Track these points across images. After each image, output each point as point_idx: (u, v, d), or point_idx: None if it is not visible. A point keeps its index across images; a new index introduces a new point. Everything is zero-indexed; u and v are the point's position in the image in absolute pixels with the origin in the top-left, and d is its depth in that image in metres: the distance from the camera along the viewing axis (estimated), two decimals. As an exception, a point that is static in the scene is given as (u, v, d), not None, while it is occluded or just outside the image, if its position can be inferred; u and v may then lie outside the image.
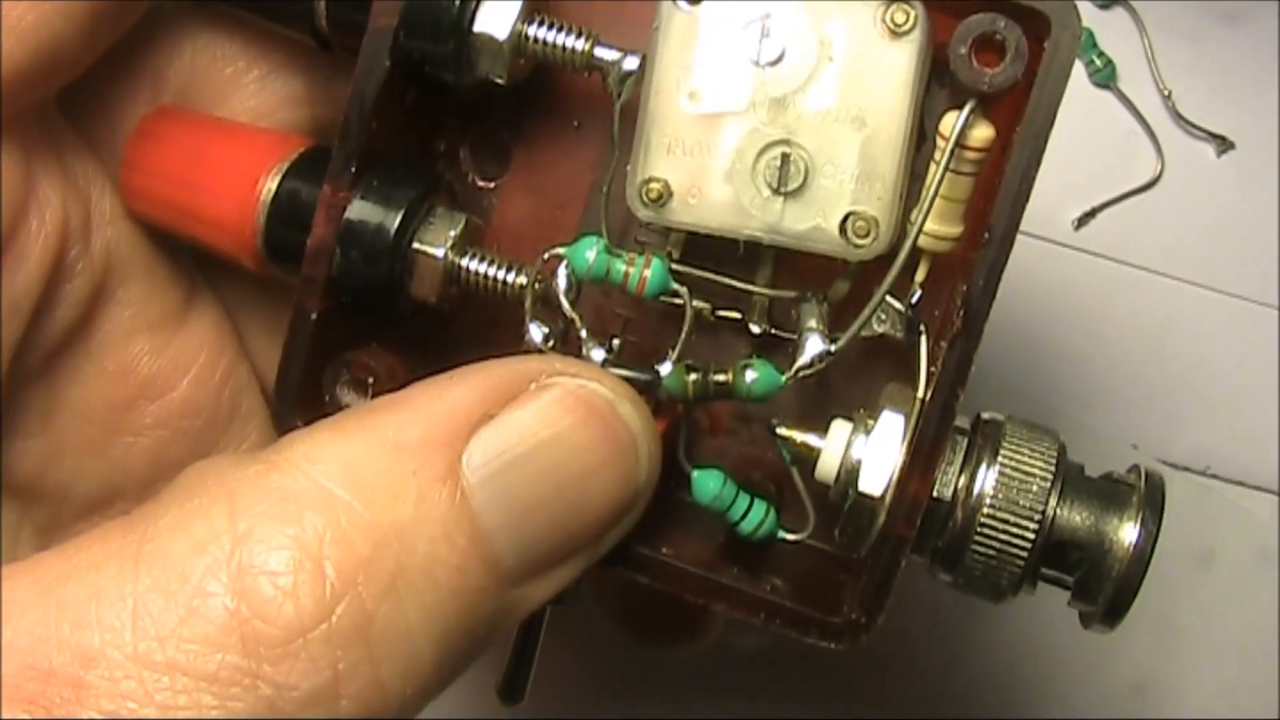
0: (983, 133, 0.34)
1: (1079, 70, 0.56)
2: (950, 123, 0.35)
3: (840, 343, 0.36)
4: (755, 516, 0.38)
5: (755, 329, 0.39)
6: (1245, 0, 0.56)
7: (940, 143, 0.35)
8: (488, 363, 0.34)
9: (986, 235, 0.34)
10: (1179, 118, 0.56)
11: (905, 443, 0.35)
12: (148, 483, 0.41)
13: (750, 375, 0.36)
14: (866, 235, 0.35)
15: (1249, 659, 0.53)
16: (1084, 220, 0.54)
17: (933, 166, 0.35)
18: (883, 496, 0.35)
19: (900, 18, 0.34)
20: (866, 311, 0.35)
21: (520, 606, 0.33)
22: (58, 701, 0.27)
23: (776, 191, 0.35)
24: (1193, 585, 0.53)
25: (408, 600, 0.30)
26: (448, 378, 0.33)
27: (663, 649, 0.48)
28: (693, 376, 0.36)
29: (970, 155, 0.35)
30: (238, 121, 0.41)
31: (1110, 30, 0.56)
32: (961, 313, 0.34)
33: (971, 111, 0.34)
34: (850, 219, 0.35)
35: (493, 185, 0.41)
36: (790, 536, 0.39)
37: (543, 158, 0.41)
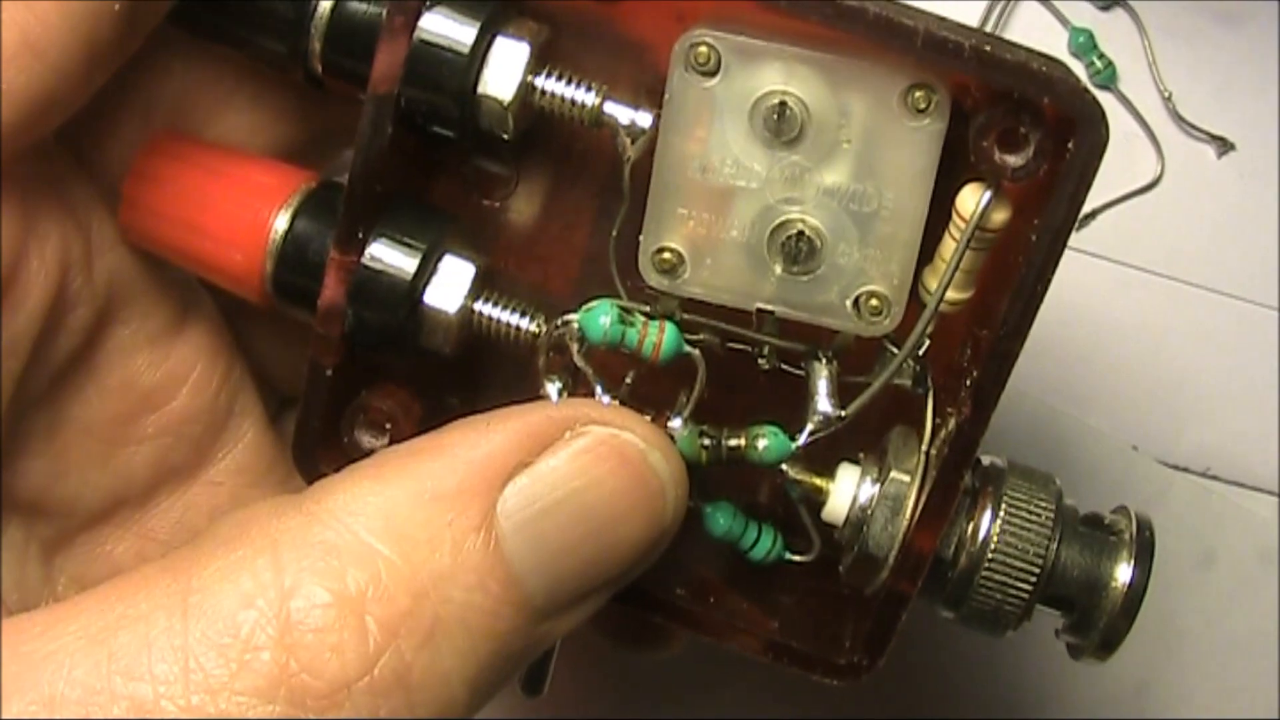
0: (1000, 215, 0.34)
1: (1079, 71, 0.55)
2: (967, 201, 0.34)
3: (851, 409, 0.36)
4: (764, 545, 0.40)
5: (765, 365, 0.39)
6: (1246, 1, 0.54)
7: (956, 219, 0.34)
8: (524, 408, 0.35)
9: (1002, 330, 0.34)
10: (1179, 119, 0.56)
11: (910, 507, 0.37)
12: (150, 489, 0.42)
13: (762, 444, 0.37)
14: (879, 314, 0.35)
15: (1251, 660, 0.55)
16: (1084, 222, 0.53)
17: (948, 238, 0.35)
18: (887, 558, 0.37)
19: (922, 101, 0.33)
20: (876, 385, 0.36)
21: (546, 640, 0.35)
22: None
23: (790, 267, 0.35)
24: (1194, 586, 0.55)
25: (444, 647, 0.32)
26: (485, 423, 0.34)
27: (637, 651, 0.50)
28: (704, 442, 0.37)
29: (986, 234, 0.34)
30: (237, 153, 0.40)
31: (1110, 32, 0.55)
32: (970, 399, 0.35)
33: (991, 199, 0.34)
34: (863, 298, 0.35)
35: (499, 205, 0.41)
36: (798, 558, 0.40)
37: (549, 176, 0.40)
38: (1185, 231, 0.55)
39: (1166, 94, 0.55)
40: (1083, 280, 0.52)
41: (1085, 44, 0.55)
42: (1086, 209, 0.54)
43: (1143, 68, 0.55)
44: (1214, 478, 0.56)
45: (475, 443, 0.33)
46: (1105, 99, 0.55)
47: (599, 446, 0.34)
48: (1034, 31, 0.56)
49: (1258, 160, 0.55)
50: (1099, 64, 0.55)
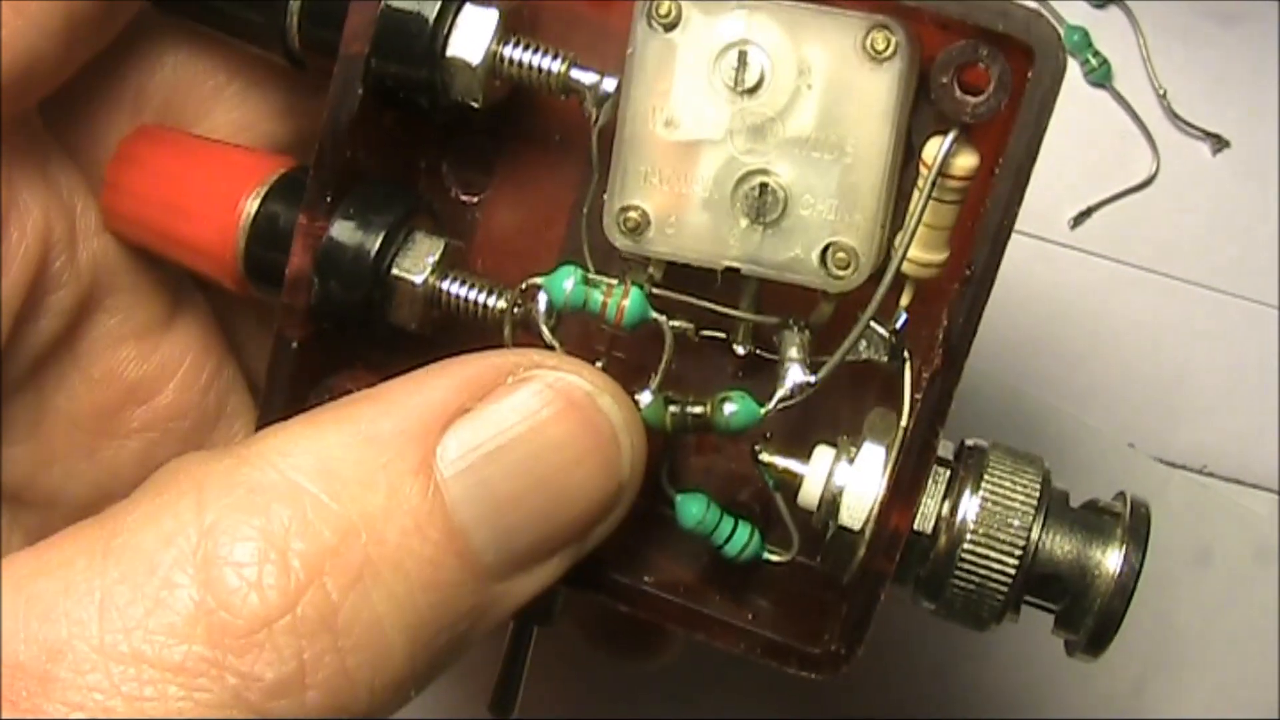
0: (966, 161, 0.34)
1: (1074, 70, 0.56)
2: (933, 150, 0.34)
3: (820, 375, 0.35)
4: (739, 540, 0.38)
5: (740, 350, 0.38)
6: (1240, 0, 0.55)
7: (923, 170, 0.34)
8: (464, 356, 0.34)
9: (968, 271, 0.33)
10: (1174, 117, 0.55)
11: (886, 476, 0.35)
12: (137, 484, 0.41)
13: (729, 409, 0.36)
14: (846, 267, 0.34)
15: (1248, 658, 0.53)
16: (1080, 219, 0.53)
17: (916, 194, 0.34)
18: (862, 530, 0.35)
19: (881, 43, 0.33)
20: (846, 344, 0.35)
21: (503, 603, 0.32)
22: (24, 695, 0.27)
23: (755, 221, 0.35)
24: (1191, 584, 0.53)
25: (375, 591, 0.30)
26: (424, 371, 0.33)
27: (629, 661, 0.48)
28: (671, 409, 0.36)
29: (954, 184, 0.34)
30: (219, 142, 0.40)
31: (1105, 30, 0.56)
32: (942, 350, 0.33)
33: (954, 142, 0.33)
34: (830, 250, 0.34)
35: (476, 200, 0.41)
36: (775, 558, 0.38)
37: (526, 172, 0.41)
38: (1180, 228, 0.54)
39: (1161, 91, 0.55)
40: (1078, 278, 0.51)
41: (1080, 42, 0.55)
42: (1082, 206, 0.54)
43: (1138, 65, 0.55)
44: (1210, 475, 0.54)
45: (414, 389, 0.32)
46: (1100, 97, 0.55)
47: (544, 390, 0.32)
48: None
49: (1252, 157, 0.55)
50: (1094, 62, 0.55)
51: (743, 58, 0.34)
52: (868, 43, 0.33)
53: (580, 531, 0.33)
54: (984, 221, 0.32)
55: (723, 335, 0.38)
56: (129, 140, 0.40)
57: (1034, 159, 0.32)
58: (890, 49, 0.33)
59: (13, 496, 0.40)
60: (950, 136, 0.33)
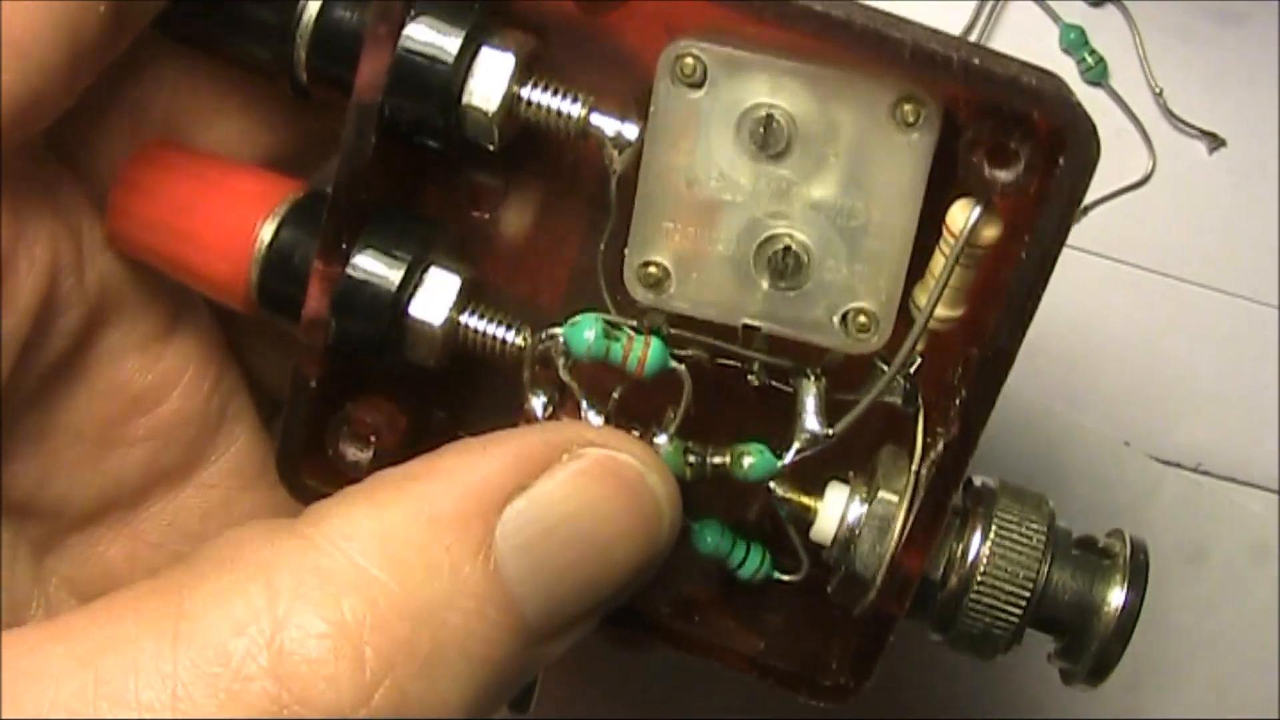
0: (990, 231, 0.33)
1: (1070, 68, 0.55)
2: (956, 217, 0.33)
3: (838, 429, 0.36)
4: (753, 563, 0.39)
5: (754, 381, 0.39)
6: (1238, 0, 0.54)
7: (946, 235, 0.34)
8: (519, 431, 0.35)
9: (990, 349, 0.33)
10: (1171, 115, 0.55)
11: (899, 527, 0.36)
12: (141, 492, 0.41)
13: (747, 461, 0.36)
14: (867, 330, 0.35)
15: (1243, 656, 0.55)
16: (1075, 218, 0.53)
17: (938, 254, 0.34)
18: (874, 579, 0.36)
19: (911, 114, 0.32)
20: (864, 402, 0.35)
21: (543, 660, 0.34)
22: None
23: (776, 282, 0.35)
24: (1186, 582, 0.54)
25: (442, 675, 0.31)
26: (481, 446, 0.34)
27: (629, 649, 0.50)
28: (691, 459, 0.37)
29: (976, 251, 0.34)
30: (225, 161, 0.39)
31: (1101, 28, 0.55)
32: (959, 420, 0.34)
33: (980, 214, 0.33)
34: (851, 314, 0.35)
35: (488, 217, 0.40)
36: (786, 578, 0.40)
37: (539, 190, 0.40)
38: (1176, 227, 0.55)
39: (1158, 90, 0.55)
40: (1073, 276, 0.52)
41: (1076, 40, 0.55)
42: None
43: (1134, 64, 0.55)
44: (1206, 473, 0.55)
45: (472, 466, 0.33)
46: (1097, 96, 0.55)
47: (596, 468, 0.33)
48: (1025, 28, 0.56)
49: (1249, 156, 0.55)
50: (1090, 60, 0.55)
51: (769, 121, 0.33)
52: (897, 112, 0.32)
53: (619, 594, 0.35)
54: (1008, 303, 0.32)
55: (738, 364, 0.39)
56: (133, 163, 0.38)
57: (1062, 244, 0.32)
58: (920, 120, 0.32)
59: (18, 509, 0.40)
60: (977, 211, 0.33)
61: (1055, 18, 0.56)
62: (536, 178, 0.40)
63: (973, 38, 0.54)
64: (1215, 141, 0.54)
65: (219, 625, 0.30)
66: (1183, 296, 0.55)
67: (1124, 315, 0.54)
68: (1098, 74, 0.54)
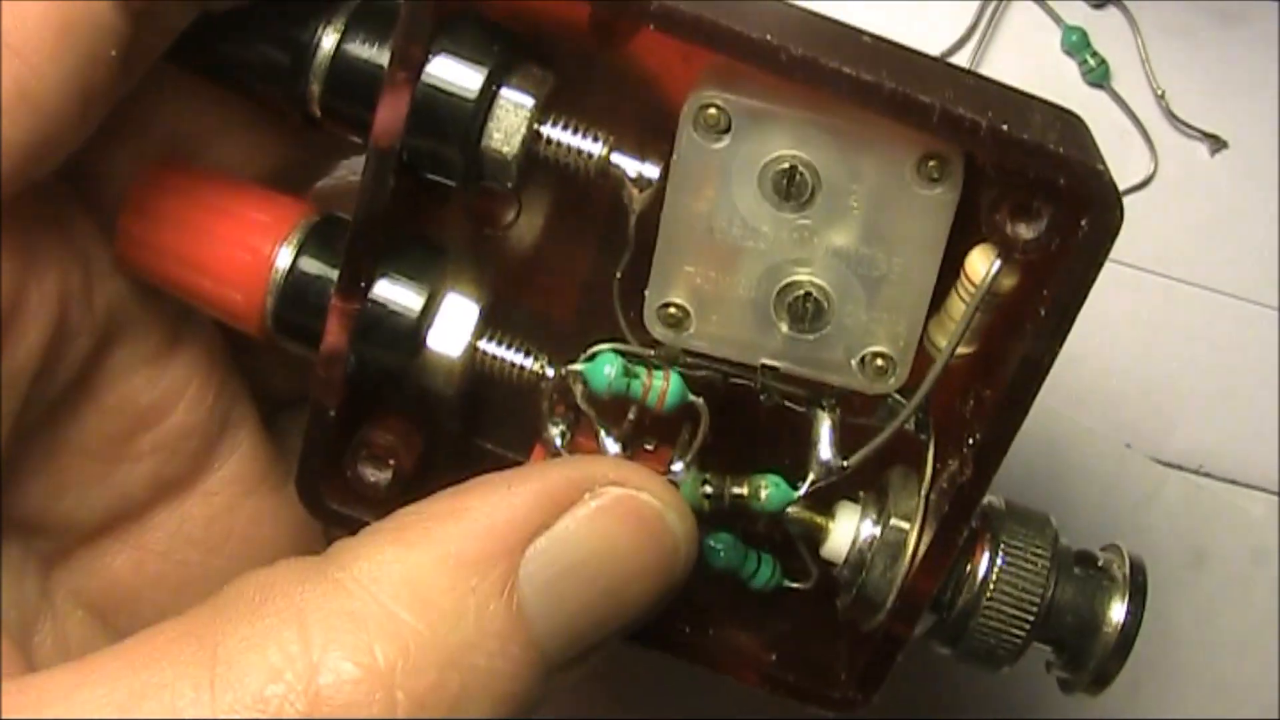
0: (1009, 281, 0.34)
1: (1072, 70, 0.55)
2: (976, 264, 0.34)
3: (853, 462, 0.37)
4: (765, 574, 0.40)
5: (766, 401, 0.39)
6: (1239, 0, 0.54)
7: (965, 281, 0.34)
8: (541, 468, 0.36)
9: (1007, 398, 0.34)
10: (1172, 117, 0.55)
11: (909, 555, 0.37)
12: (147, 504, 0.42)
13: (764, 494, 0.37)
14: (885, 373, 0.35)
15: (1244, 659, 0.56)
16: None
17: (955, 297, 0.35)
18: (885, 602, 0.37)
19: (936, 170, 0.32)
20: (879, 440, 0.36)
21: (559, 687, 0.35)
22: None
23: (796, 326, 0.35)
24: (1187, 585, 0.55)
25: (470, 714, 0.32)
26: (505, 483, 0.35)
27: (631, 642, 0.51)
28: (706, 489, 0.37)
29: (993, 298, 0.34)
30: (233, 183, 0.39)
31: (1103, 30, 0.55)
32: (974, 462, 0.35)
33: (1001, 266, 0.33)
34: (869, 358, 0.35)
35: (500, 234, 0.40)
36: (796, 585, 0.41)
37: (551, 207, 0.40)
38: (1178, 229, 0.55)
39: (1160, 92, 0.55)
40: None
41: (1078, 42, 0.55)
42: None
43: (1136, 66, 0.55)
44: (1207, 475, 0.56)
45: (496, 505, 0.34)
46: (1099, 97, 0.55)
47: (617, 508, 0.34)
48: (1027, 30, 0.55)
49: (1251, 158, 0.55)
50: (1092, 62, 0.55)
51: (792, 173, 0.33)
52: (921, 168, 0.33)
53: (635, 625, 0.36)
54: (1025, 359, 0.33)
55: (751, 383, 0.39)
56: (140, 188, 0.38)
57: (1080, 305, 0.32)
58: (944, 176, 0.33)
59: (27, 527, 0.40)
60: (998, 264, 0.33)
61: (1057, 19, 0.55)
62: (548, 192, 0.40)
63: (975, 40, 0.54)
64: (1217, 143, 0.54)
65: (255, 671, 0.31)
66: (1185, 298, 0.55)
67: (1126, 317, 0.55)
68: (1099, 76, 0.54)
